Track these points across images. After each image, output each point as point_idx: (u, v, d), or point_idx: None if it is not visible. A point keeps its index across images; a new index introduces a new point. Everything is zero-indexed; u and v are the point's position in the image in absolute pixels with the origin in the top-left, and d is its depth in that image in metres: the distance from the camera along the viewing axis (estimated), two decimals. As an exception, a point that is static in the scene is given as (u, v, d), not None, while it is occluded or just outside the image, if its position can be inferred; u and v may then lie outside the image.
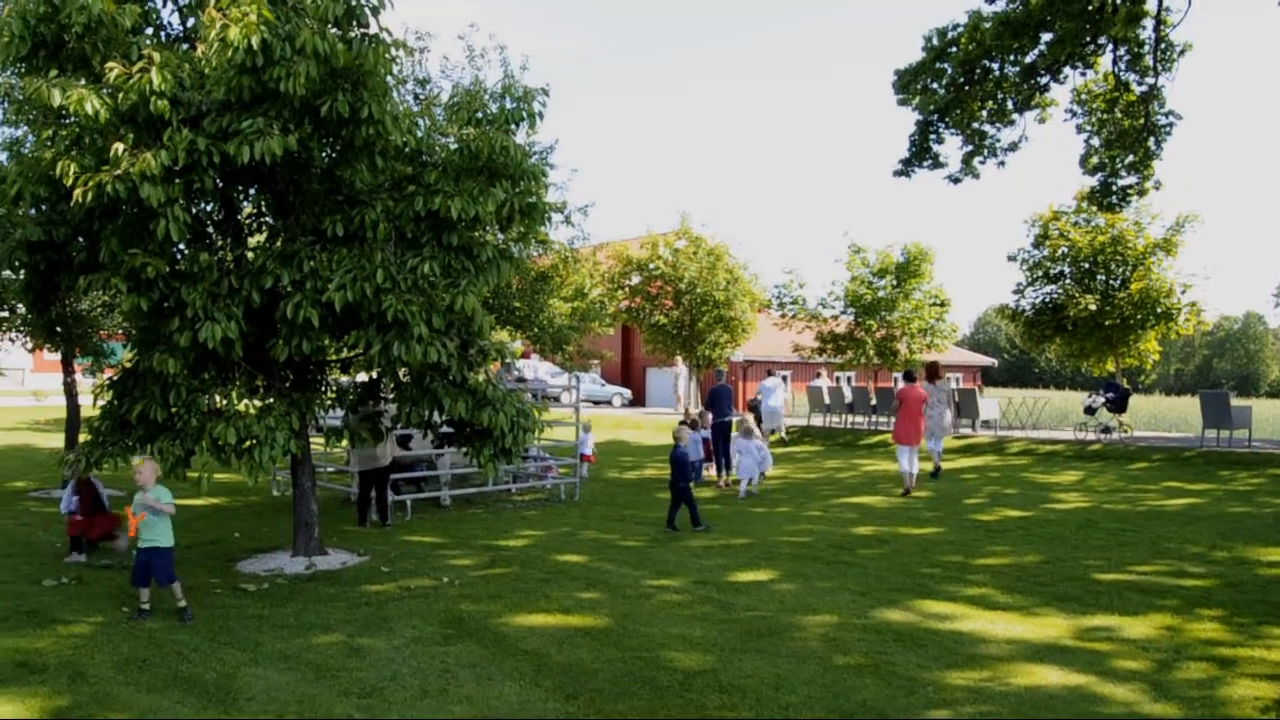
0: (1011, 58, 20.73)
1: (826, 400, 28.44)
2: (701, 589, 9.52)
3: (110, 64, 8.24)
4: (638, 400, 45.80)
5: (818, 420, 28.81)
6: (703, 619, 8.41)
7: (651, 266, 32.87)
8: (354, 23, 8.79)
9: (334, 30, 8.59)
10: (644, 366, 47.28)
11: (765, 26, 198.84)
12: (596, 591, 9.41)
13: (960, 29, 20.72)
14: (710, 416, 18.04)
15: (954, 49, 20.72)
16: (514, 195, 9.75)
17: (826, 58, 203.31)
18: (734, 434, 18.29)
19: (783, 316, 32.40)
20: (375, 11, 8.85)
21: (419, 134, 9.70)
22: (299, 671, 7.05)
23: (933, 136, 22.04)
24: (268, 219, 10.63)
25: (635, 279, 33.37)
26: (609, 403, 41.94)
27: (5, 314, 16.48)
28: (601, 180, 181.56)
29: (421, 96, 19.76)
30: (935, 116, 21.67)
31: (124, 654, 7.43)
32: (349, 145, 9.03)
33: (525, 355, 29.13)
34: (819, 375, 33.72)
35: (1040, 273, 27.87)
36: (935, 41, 21.11)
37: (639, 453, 24.36)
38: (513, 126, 9.99)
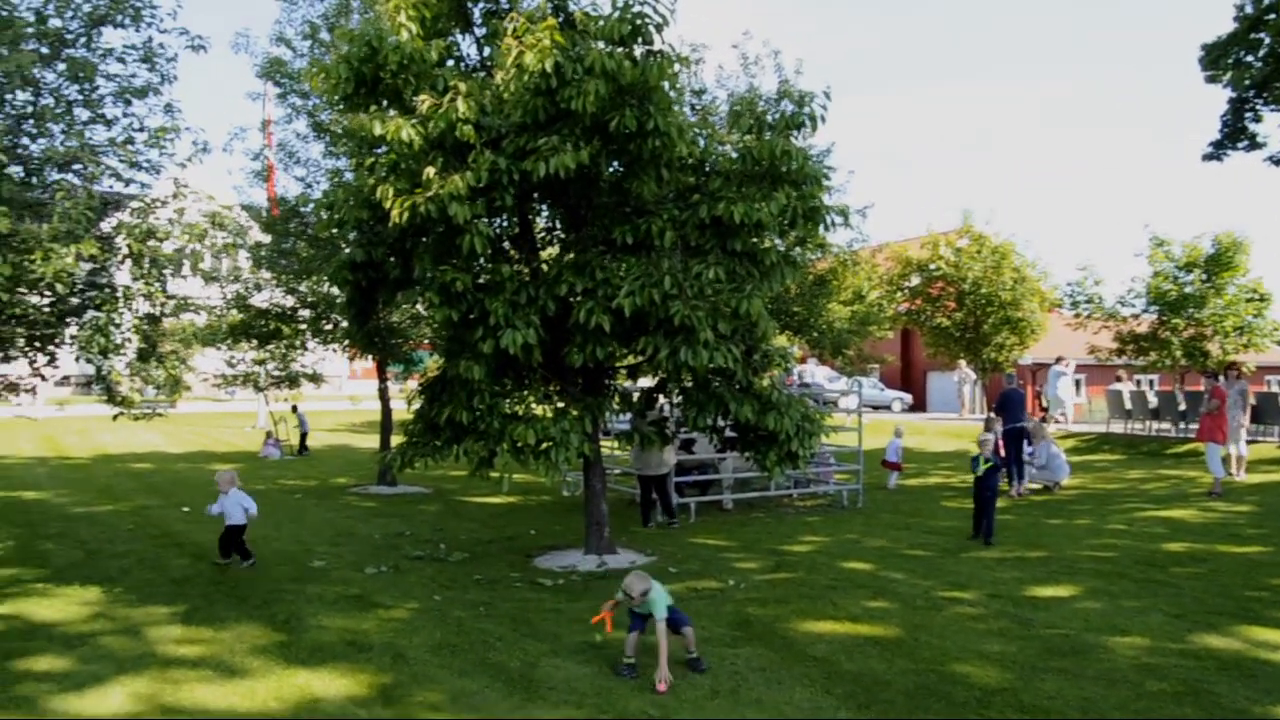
0: (1344, 21, 18.55)
1: (1127, 405, 26.49)
2: (996, 603, 9.12)
3: (421, 96, 8.96)
4: (918, 405, 44.46)
5: (1118, 427, 26.89)
6: (999, 634, 8.05)
7: (932, 267, 31.81)
8: (639, 39, 9.08)
9: (620, 49, 8.92)
10: (925, 370, 45.86)
11: (1051, 6, 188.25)
12: (885, 600, 9.22)
13: (1281, -5, 18.78)
14: (1000, 422, 17.22)
15: (1271, 16, 18.77)
16: (795, 200, 9.75)
17: (1120, 36, 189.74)
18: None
19: (1076, 316, 30.48)
20: (659, 28, 9.11)
21: (701, 144, 9.88)
22: (596, 665, 7.33)
23: (1248, 115, 20.08)
24: (559, 232, 11.17)
25: (915, 280, 32.42)
26: (888, 407, 40.97)
27: (329, 327, 18.22)
28: (880, 181, 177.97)
29: (698, 107, 20.13)
30: (1251, 92, 19.72)
31: (437, 639, 8.01)
32: (636, 158, 9.33)
33: (802, 360, 29.02)
34: (1118, 378, 31.44)
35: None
36: (1249, 10, 19.22)
37: (922, 459, 23.64)
38: (793, 131, 10.00)
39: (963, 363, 33.19)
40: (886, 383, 44.75)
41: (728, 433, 11.23)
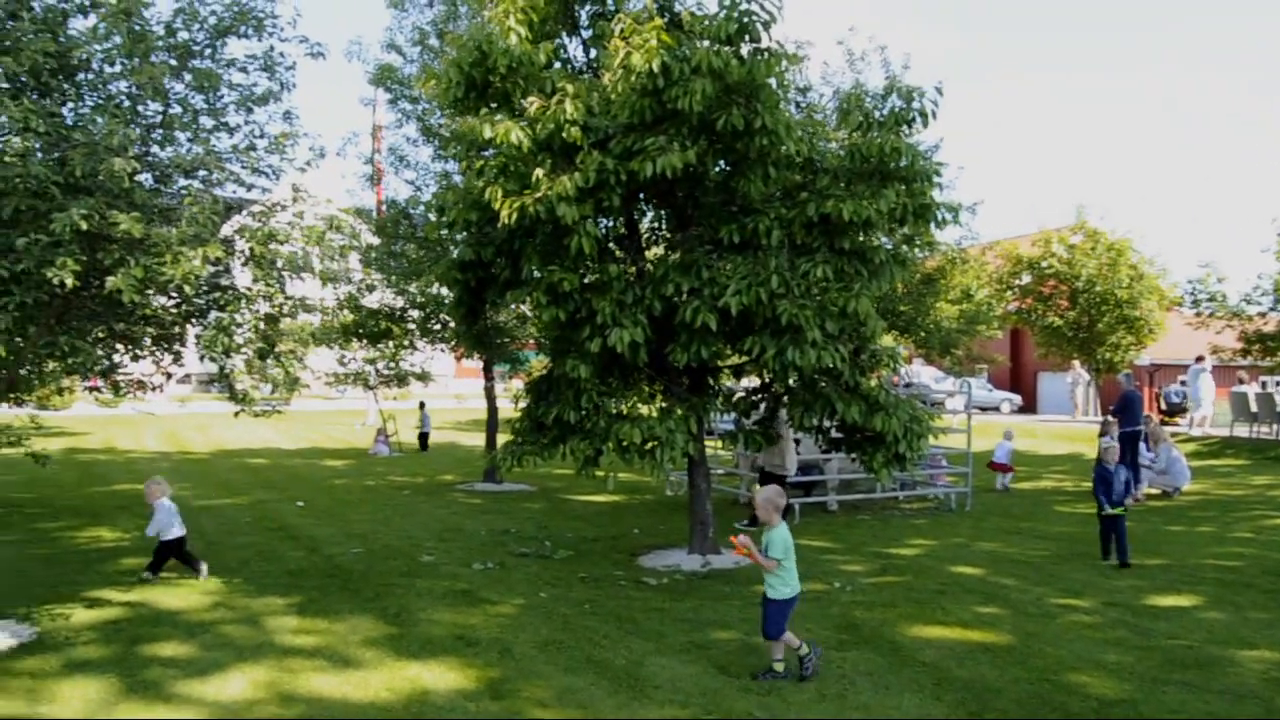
0: None
1: (1253, 408, 25.35)
2: (1113, 611, 8.83)
3: (530, 98, 9.07)
4: (1028, 407, 43.30)
5: (1242, 430, 25.78)
6: (1117, 644, 7.79)
7: (1044, 264, 30.95)
8: (746, 37, 9.04)
9: (727, 47, 8.90)
10: (1035, 371, 44.64)
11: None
12: (996, 606, 9.01)
13: None
14: (1118, 425, 16.64)
15: None
16: (905, 197, 9.59)
17: (1239, 23, 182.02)
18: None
19: (1197, 315, 29.29)
20: (766, 25, 9.05)
21: (809, 142, 9.77)
22: (701, 665, 7.33)
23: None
24: (664, 232, 11.19)
25: (1026, 278, 31.59)
26: (997, 409, 40.00)
27: (438, 327, 18.59)
28: (989, 177, 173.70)
29: (803, 104, 19.93)
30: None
31: (543, 636, 8.10)
32: (743, 157, 9.30)
33: (908, 360, 28.55)
34: (1240, 380, 30.07)
35: None
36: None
37: (1033, 462, 23.02)
38: (903, 127, 9.84)
39: (1076, 363, 32.23)
40: (995, 383, 43.70)
41: (833, 433, 11.10)
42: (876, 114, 10.01)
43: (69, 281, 6.41)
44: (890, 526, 13.86)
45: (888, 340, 21.88)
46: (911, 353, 25.98)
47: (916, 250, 18.66)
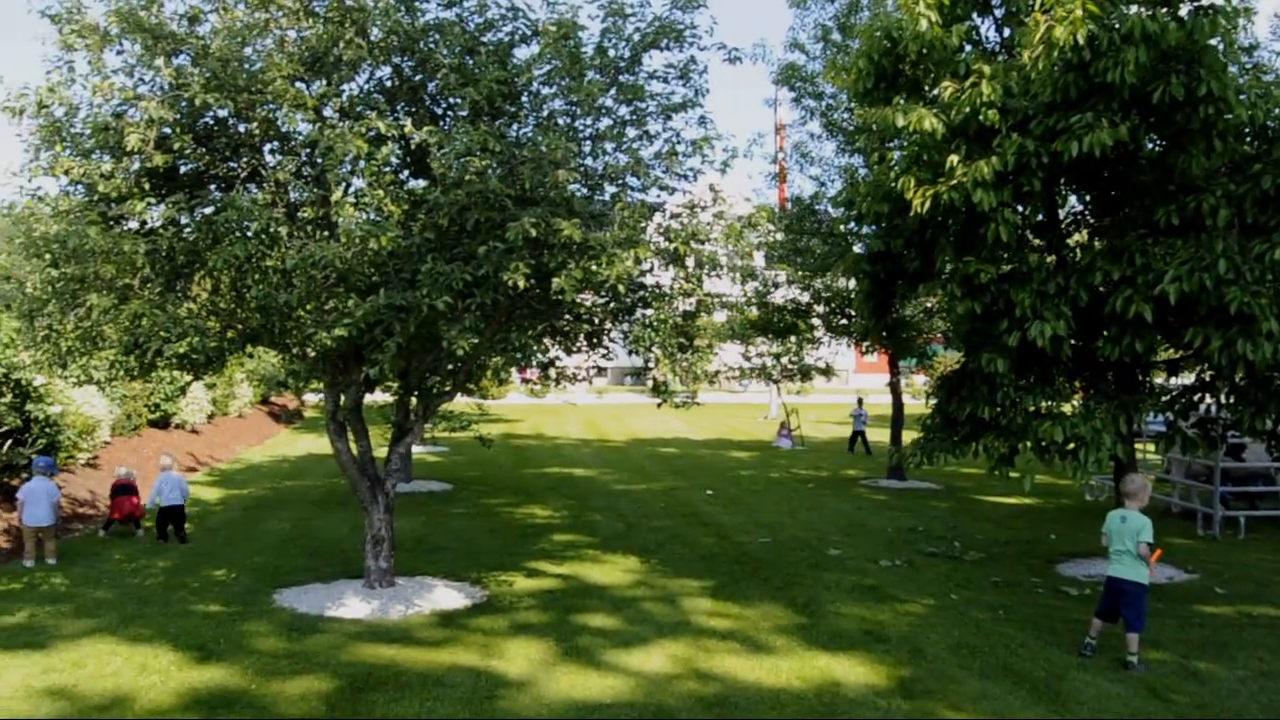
0: None
1: None
2: None
3: (944, 83, 8.80)
4: None
5: None
6: None
7: None
8: (1185, -4, 8.21)
9: (1163, 9, 8.13)
10: None
11: None
12: None
13: None
14: None
15: None
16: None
17: None
18: None
19: None
20: (1213, -19, 8.16)
21: (1264, 107, 8.66)
22: (1129, 685, 6.81)
23: None
24: (1088, 216, 10.44)
25: None
26: None
27: (843, 321, 18.62)
28: None
29: (1248, 66, 17.76)
30: None
31: (955, 638, 7.87)
32: (1182, 130, 8.44)
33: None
34: None
35: None
36: None
37: None
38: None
39: None
40: None
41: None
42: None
43: (520, 284, 7.13)
44: (1363, 548, 12.02)
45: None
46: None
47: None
